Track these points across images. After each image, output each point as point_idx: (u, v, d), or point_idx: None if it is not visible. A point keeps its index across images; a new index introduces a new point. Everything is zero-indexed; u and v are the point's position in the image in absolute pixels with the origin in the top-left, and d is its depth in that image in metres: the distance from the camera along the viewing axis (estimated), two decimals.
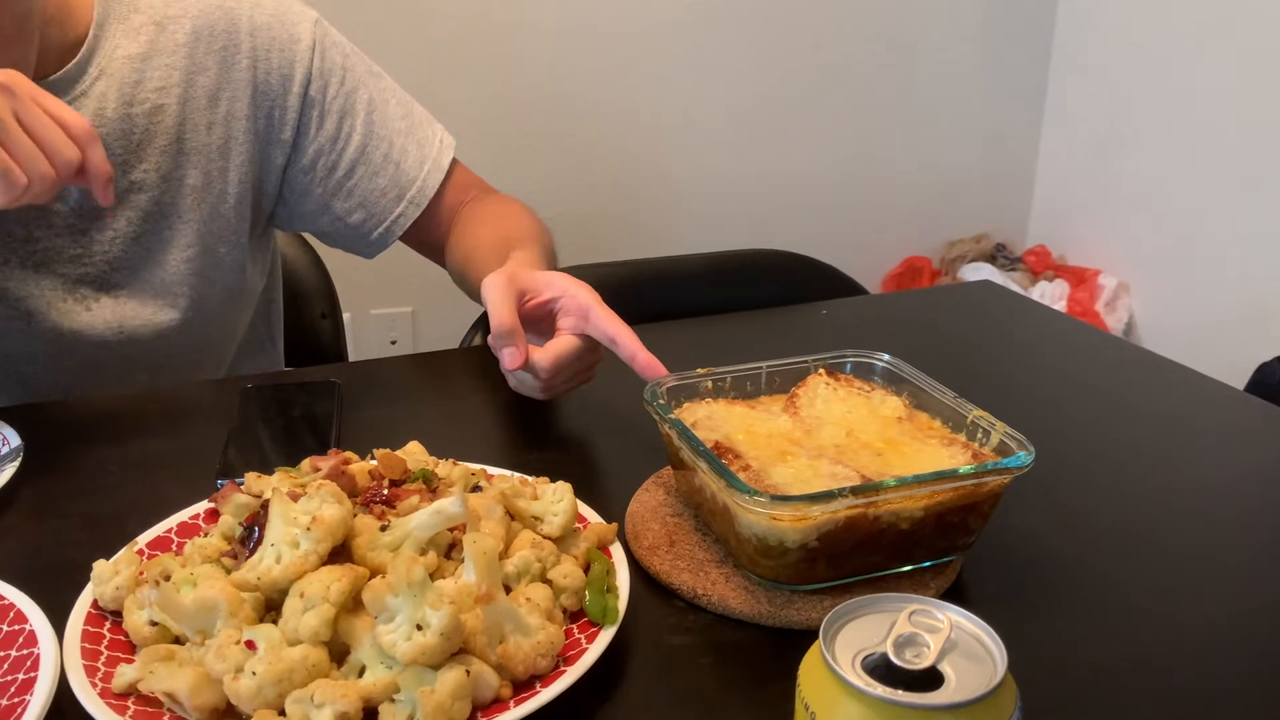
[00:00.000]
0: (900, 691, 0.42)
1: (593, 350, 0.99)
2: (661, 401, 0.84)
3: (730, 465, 0.74)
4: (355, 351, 2.46)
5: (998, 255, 3.42)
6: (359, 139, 1.24)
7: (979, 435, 0.81)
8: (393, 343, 3.06)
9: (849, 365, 0.91)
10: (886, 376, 0.90)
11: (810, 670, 0.45)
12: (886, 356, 0.90)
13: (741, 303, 1.40)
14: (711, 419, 0.84)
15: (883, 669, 0.43)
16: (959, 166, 3.36)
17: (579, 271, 1.46)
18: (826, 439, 0.82)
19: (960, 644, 0.44)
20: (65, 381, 1.21)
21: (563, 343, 0.96)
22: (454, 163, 1.30)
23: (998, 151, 3.40)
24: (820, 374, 0.89)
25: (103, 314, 1.19)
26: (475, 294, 1.15)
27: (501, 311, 0.93)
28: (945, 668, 0.43)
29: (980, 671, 0.43)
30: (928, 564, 0.78)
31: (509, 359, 0.93)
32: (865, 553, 0.74)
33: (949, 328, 1.32)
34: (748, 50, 3.05)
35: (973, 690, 0.42)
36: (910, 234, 3.37)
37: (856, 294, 1.49)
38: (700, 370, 0.88)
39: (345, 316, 1.72)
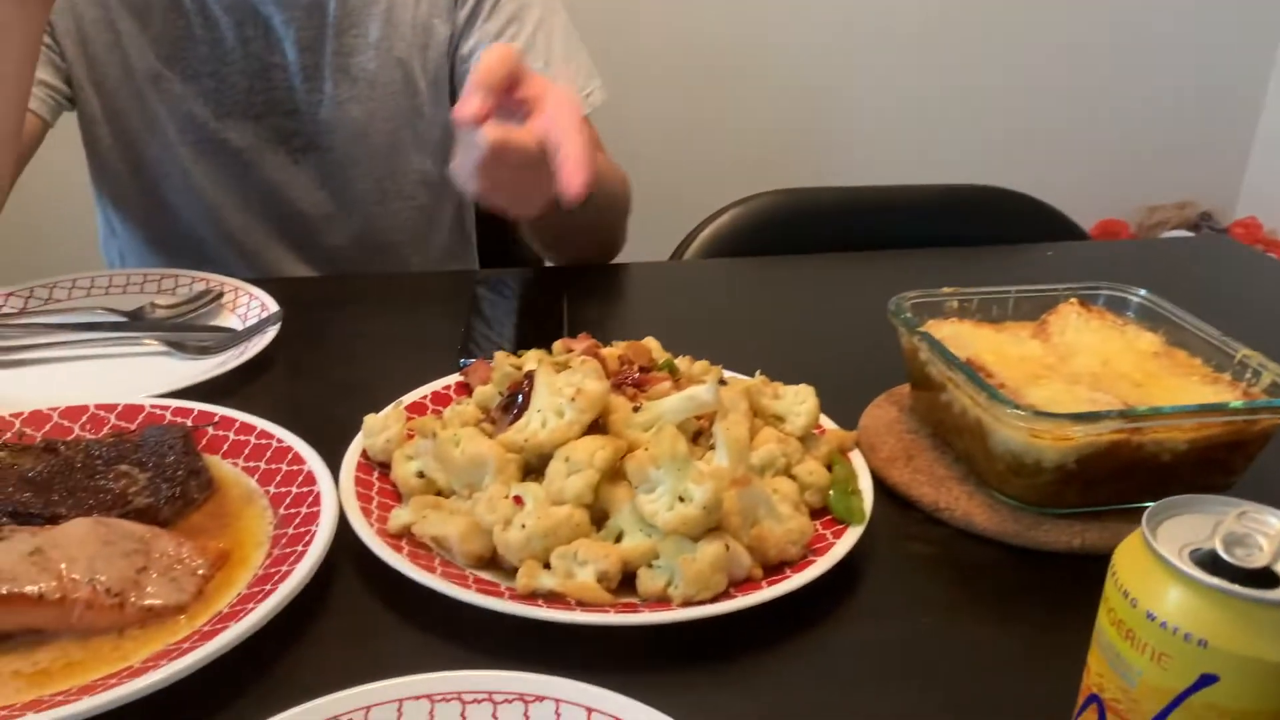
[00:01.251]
0: (1238, 585, 0.41)
1: (544, 168, 0.86)
2: (908, 315, 0.83)
3: (986, 381, 0.73)
4: None
5: (1202, 224, 3.23)
6: (518, 48, 1.23)
7: (1247, 375, 0.77)
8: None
9: (1102, 298, 0.88)
10: (1141, 312, 0.86)
11: (1131, 558, 0.44)
12: (1143, 292, 0.87)
13: (954, 238, 1.37)
14: (957, 338, 0.83)
15: (1210, 564, 0.42)
16: (1168, 125, 3.16)
17: (791, 195, 1.46)
18: (1081, 366, 0.80)
19: None
20: (269, 241, 1.28)
21: (515, 134, 0.86)
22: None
23: (1214, 112, 3.18)
24: (1073, 303, 0.86)
25: (309, 169, 1.26)
26: (542, 237, 1.15)
27: (488, 66, 0.86)
28: None
29: None
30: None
31: (469, 108, 0.84)
32: (1120, 481, 0.72)
33: (1183, 278, 1.25)
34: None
35: None
36: (1108, 195, 3.20)
37: (1078, 238, 1.43)
38: (947, 289, 0.87)
39: None
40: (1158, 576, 0.43)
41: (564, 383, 0.71)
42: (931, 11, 2.94)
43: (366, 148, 1.26)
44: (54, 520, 0.67)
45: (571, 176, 0.81)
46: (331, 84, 1.22)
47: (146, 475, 0.72)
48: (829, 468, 0.75)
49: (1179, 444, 0.71)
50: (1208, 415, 0.70)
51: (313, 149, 1.25)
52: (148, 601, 0.61)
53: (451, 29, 1.25)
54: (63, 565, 0.60)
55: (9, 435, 0.78)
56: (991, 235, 1.39)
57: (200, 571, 0.64)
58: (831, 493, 0.72)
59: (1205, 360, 0.81)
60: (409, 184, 1.30)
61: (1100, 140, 3.15)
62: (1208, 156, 3.26)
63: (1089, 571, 0.60)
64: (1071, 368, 0.80)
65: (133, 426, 0.80)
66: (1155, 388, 0.77)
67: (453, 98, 1.30)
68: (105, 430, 0.80)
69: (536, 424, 0.70)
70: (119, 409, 0.82)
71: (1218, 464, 0.73)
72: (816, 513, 0.72)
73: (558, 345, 0.84)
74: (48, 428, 0.79)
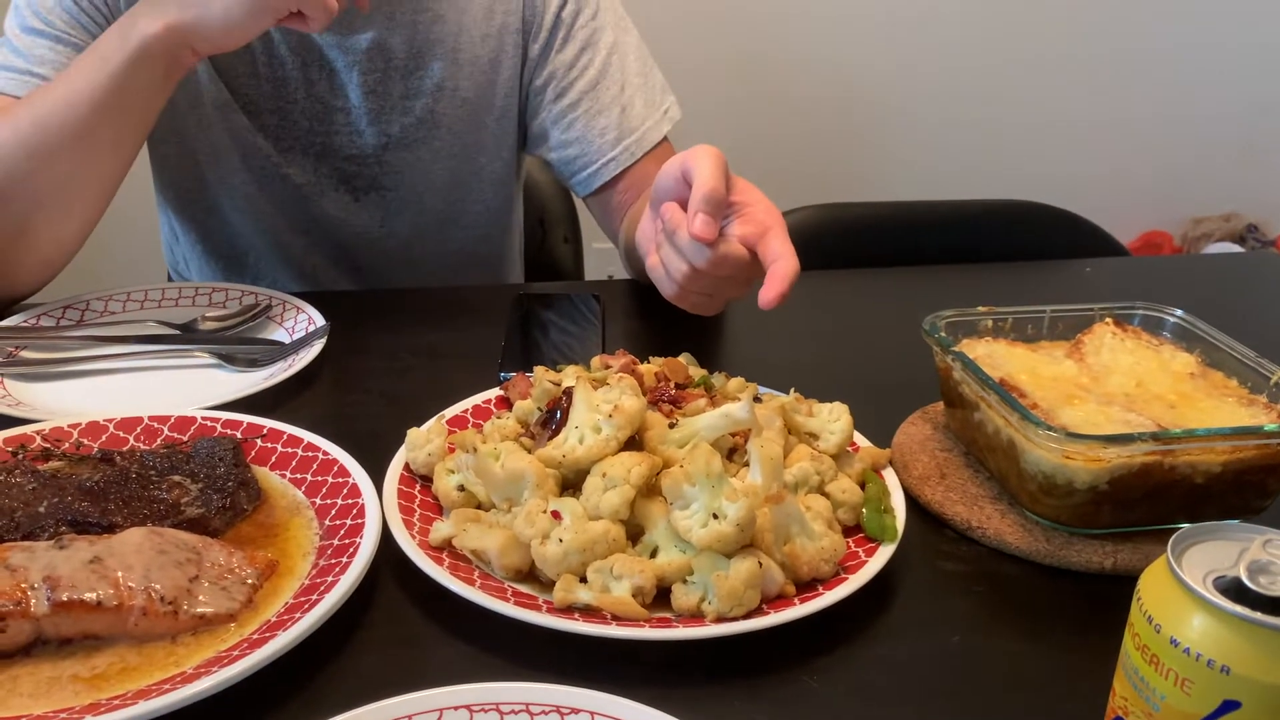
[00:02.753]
0: (1261, 613, 0.41)
1: (747, 273, 0.87)
2: (942, 334, 0.84)
3: (1019, 402, 0.74)
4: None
5: (1248, 236, 3.19)
6: (593, 74, 1.25)
7: None
8: (609, 276, 3.13)
9: (1138, 318, 0.88)
10: (1177, 333, 0.87)
11: (1156, 585, 0.45)
12: (1179, 312, 0.87)
13: (992, 254, 1.37)
14: (992, 357, 0.84)
15: (1234, 592, 0.43)
16: (1214, 136, 3.13)
17: (829, 210, 1.47)
18: (1115, 387, 0.80)
19: None
20: (327, 264, 1.31)
21: (735, 247, 0.85)
22: (665, 139, 1.27)
23: (1260, 122, 3.14)
24: (1107, 323, 0.87)
25: (370, 207, 1.28)
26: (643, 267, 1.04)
27: (715, 178, 0.83)
28: None
29: None
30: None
31: (702, 226, 0.82)
32: (1153, 503, 0.72)
33: (1223, 295, 1.25)
34: (1004, 8, 2.92)
35: None
36: (1151, 206, 3.18)
37: (1118, 254, 1.43)
38: (981, 308, 0.88)
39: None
40: (1182, 603, 0.44)
41: (601, 399, 0.73)
42: (973, 27, 2.94)
43: (429, 185, 1.28)
44: (110, 529, 0.69)
45: (774, 286, 0.80)
46: (397, 126, 1.23)
47: (198, 486, 0.75)
48: (862, 485, 0.76)
49: (1213, 466, 0.71)
50: (1242, 438, 0.70)
51: (375, 189, 1.27)
52: (200, 609, 0.63)
53: (521, 63, 1.26)
54: (120, 573, 0.63)
55: (67, 445, 0.81)
56: (1030, 251, 1.39)
57: (250, 581, 0.67)
58: (864, 510, 0.74)
59: (1241, 381, 0.81)
60: (469, 215, 1.33)
61: (1145, 152, 3.13)
62: (1254, 168, 3.22)
63: (1120, 592, 0.61)
64: (1105, 388, 0.80)
65: (185, 438, 0.83)
66: (1190, 409, 0.77)
67: (522, 131, 1.32)
68: (159, 441, 0.83)
69: (574, 440, 0.72)
70: (172, 420, 0.84)
71: (1253, 487, 0.73)
72: (849, 530, 0.73)
73: (596, 361, 0.86)
74: (104, 438, 0.82)
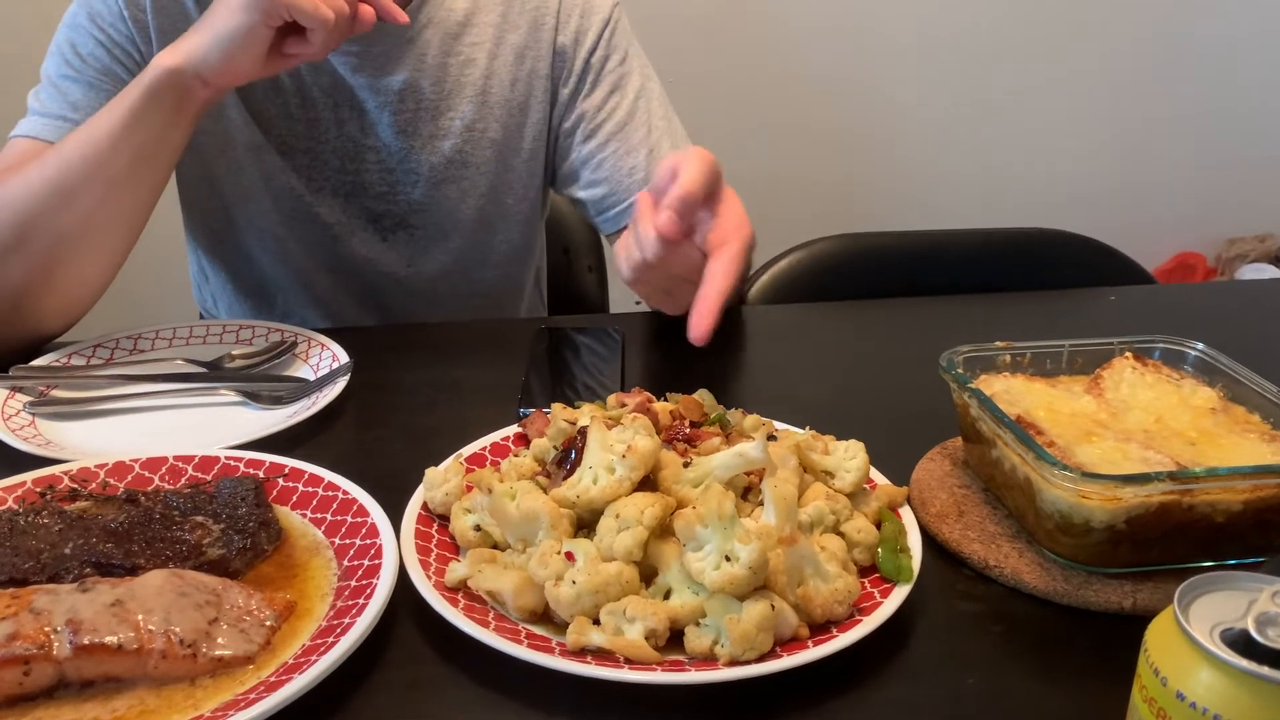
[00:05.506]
0: (1268, 668, 0.41)
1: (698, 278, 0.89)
2: (959, 371, 0.84)
3: (1035, 440, 0.73)
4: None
5: None
6: (621, 116, 1.27)
7: None
8: (636, 304, 3.14)
9: (1158, 351, 0.87)
10: (1198, 366, 0.86)
11: (1162, 637, 0.45)
12: (1200, 345, 0.86)
13: (1017, 283, 1.37)
14: (1009, 393, 0.83)
15: (1241, 644, 0.43)
16: (1247, 156, 3.09)
17: (852, 239, 1.47)
18: (1134, 424, 0.79)
19: None
20: (353, 303, 1.33)
21: (687, 247, 0.88)
22: None
23: None
24: (1127, 357, 0.86)
25: (398, 247, 1.29)
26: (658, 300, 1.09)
27: (695, 182, 0.85)
28: None
29: None
30: (1233, 562, 0.74)
31: (666, 222, 0.85)
32: (1172, 542, 0.72)
33: (1253, 324, 1.23)
34: (1024, 29, 2.91)
35: None
36: (1184, 227, 3.14)
37: (1143, 282, 1.42)
38: (999, 343, 0.87)
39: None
40: (1188, 656, 0.43)
41: (615, 439, 0.73)
42: (998, 49, 2.93)
43: (455, 224, 1.30)
44: (134, 571, 0.70)
45: (701, 320, 0.81)
46: (426, 166, 1.25)
47: (220, 527, 0.76)
48: (879, 524, 0.76)
49: (1233, 505, 0.70)
50: (1262, 477, 0.70)
51: (402, 228, 1.29)
52: (219, 652, 0.64)
53: (550, 107, 1.28)
54: (140, 616, 0.64)
55: (94, 485, 0.82)
56: (1054, 279, 1.38)
57: (268, 623, 0.67)
58: (880, 550, 0.73)
59: (1264, 417, 0.80)
60: (495, 254, 1.34)
61: (1177, 171, 3.10)
62: None
63: (1140, 633, 0.60)
64: (1124, 424, 0.80)
65: (209, 477, 0.84)
66: (1210, 446, 0.76)
67: (550, 172, 1.33)
68: (183, 481, 0.84)
69: (588, 480, 0.72)
70: (196, 460, 0.86)
71: (1275, 526, 0.72)
72: (865, 569, 0.73)
73: (611, 400, 0.87)
74: (129, 478, 0.84)
